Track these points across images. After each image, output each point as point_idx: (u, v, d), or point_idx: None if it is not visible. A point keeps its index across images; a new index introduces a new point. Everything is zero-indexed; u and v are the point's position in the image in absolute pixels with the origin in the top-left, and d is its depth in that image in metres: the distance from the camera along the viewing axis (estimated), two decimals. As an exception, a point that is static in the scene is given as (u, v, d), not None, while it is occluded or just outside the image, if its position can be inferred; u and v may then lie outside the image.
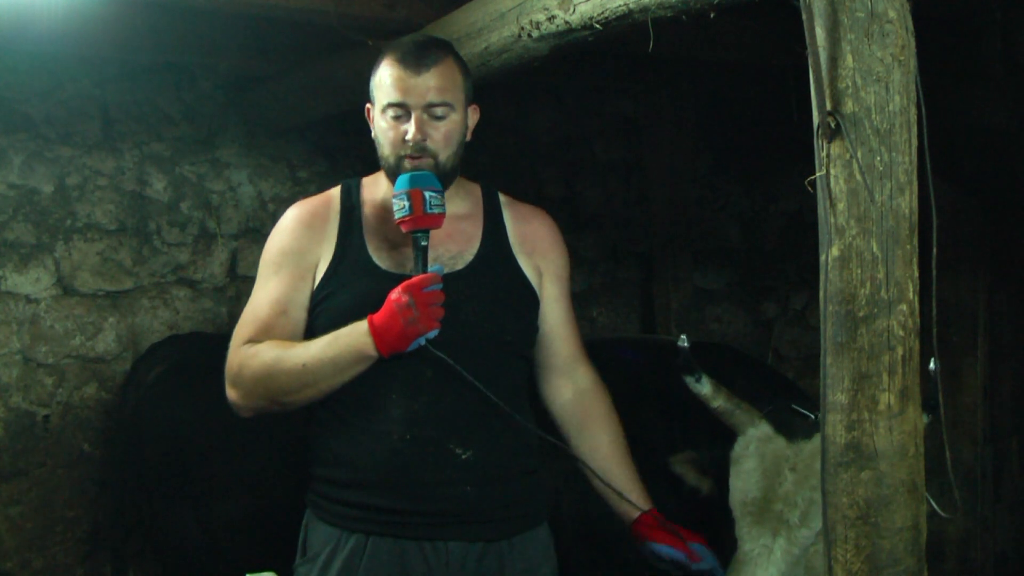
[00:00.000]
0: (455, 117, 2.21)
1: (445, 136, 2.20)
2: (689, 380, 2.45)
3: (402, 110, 2.18)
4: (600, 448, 2.40)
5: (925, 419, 1.73)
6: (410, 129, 2.17)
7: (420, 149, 2.18)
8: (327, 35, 3.14)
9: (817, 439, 2.28)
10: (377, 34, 3.05)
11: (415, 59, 2.18)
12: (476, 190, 2.39)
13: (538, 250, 2.36)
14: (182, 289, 4.04)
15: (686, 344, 2.41)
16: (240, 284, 4.11)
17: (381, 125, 2.23)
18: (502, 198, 2.41)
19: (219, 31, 3.51)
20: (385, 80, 2.20)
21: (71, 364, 3.85)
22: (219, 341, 3.58)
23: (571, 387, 2.42)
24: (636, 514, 2.36)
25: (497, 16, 2.50)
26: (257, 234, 4.11)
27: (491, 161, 4.37)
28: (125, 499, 3.49)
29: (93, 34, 3.30)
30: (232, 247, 4.13)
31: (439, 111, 2.18)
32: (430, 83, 2.17)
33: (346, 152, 4.27)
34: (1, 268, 3.73)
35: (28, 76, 3.76)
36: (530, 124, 4.64)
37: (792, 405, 2.45)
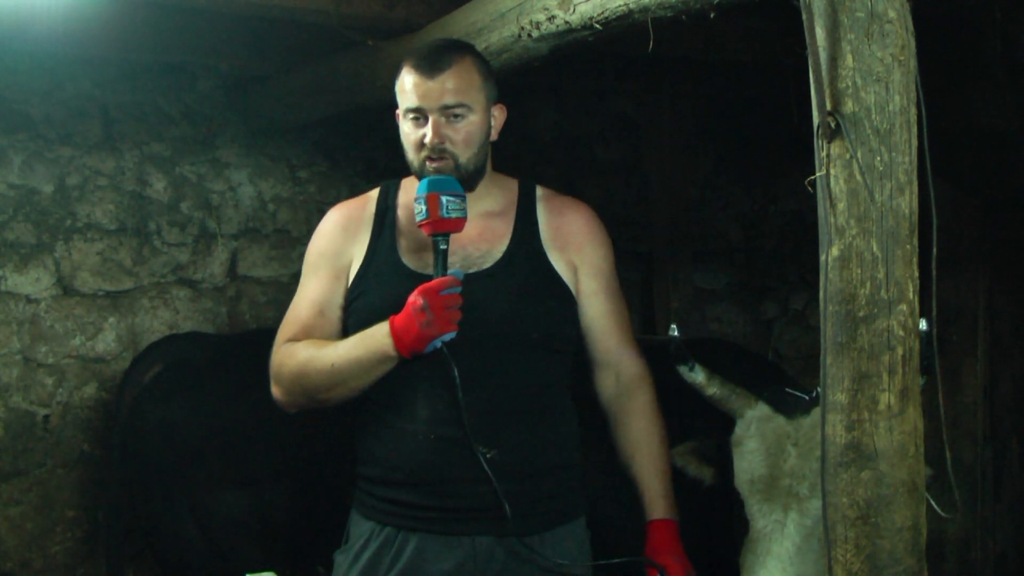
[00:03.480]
0: (474, 118, 2.23)
1: (465, 138, 2.22)
2: (682, 369, 2.46)
3: (420, 114, 2.22)
4: (628, 444, 2.41)
5: (921, 381, 1.72)
6: (428, 133, 2.20)
7: (439, 151, 2.20)
8: (327, 35, 3.14)
9: (815, 413, 2.29)
10: (377, 34, 3.05)
11: (429, 63, 2.21)
12: (513, 186, 2.41)
13: (572, 244, 2.36)
14: (182, 289, 4.04)
15: (676, 334, 2.42)
16: (240, 284, 4.11)
17: (404, 130, 2.27)
18: (540, 192, 2.42)
19: (219, 31, 3.52)
20: (404, 86, 2.24)
21: (71, 364, 3.85)
22: (216, 341, 3.60)
23: (614, 380, 2.43)
24: (649, 517, 2.36)
25: (497, 16, 2.50)
26: (257, 234, 4.11)
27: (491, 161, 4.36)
28: (122, 499, 3.48)
29: (93, 34, 3.30)
30: (232, 247, 4.13)
31: (456, 112, 2.21)
32: (445, 86, 2.19)
33: (346, 152, 4.26)
34: (1, 268, 3.73)
35: (28, 76, 3.76)
36: (530, 124, 4.64)
37: (787, 389, 2.45)
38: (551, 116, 4.70)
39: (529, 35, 2.39)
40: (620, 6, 2.07)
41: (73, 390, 3.86)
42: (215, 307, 4.10)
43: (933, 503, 2.02)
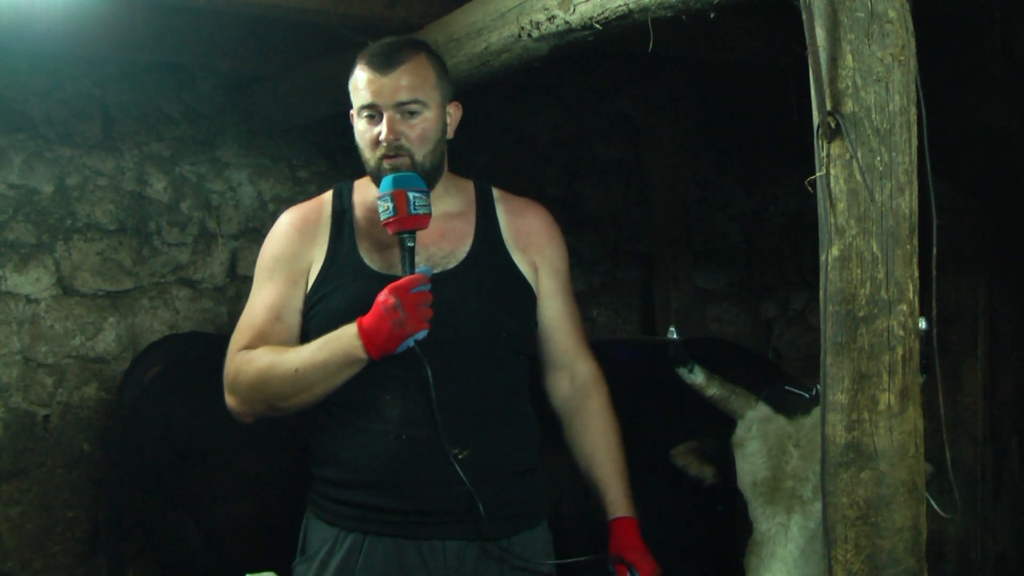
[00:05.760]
0: (428, 115, 2.21)
1: (420, 135, 2.20)
2: (682, 371, 2.46)
3: (374, 111, 2.20)
4: (587, 445, 2.40)
5: (920, 379, 1.72)
6: (383, 129, 2.18)
7: (395, 148, 2.18)
8: (327, 35, 3.14)
9: (816, 413, 2.29)
10: (377, 34, 3.04)
11: (383, 60, 2.20)
12: (468, 187, 2.40)
13: (533, 245, 2.36)
14: (182, 289, 4.04)
15: (675, 336, 2.42)
16: (240, 284, 4.11)
17: (358, 128, 2.25)
18: (496, 193, 2.41)
19: (219, 31, 3.52)
20: (358, 83, 2.22)
21: (71, 364, 3.85)
22: (216, 341, 3.59)
23: (569, 382, 2.42)
24: (611, 515, 2.36)
25: (497, 16, 2.50)
26: (257, 234, 4.11)
27: (491, 161, 4.36)
28: (122, 499, 3.48)
29: (93, 34, 3.30)
30: (232, 247, 4.13)
31: (411, 108, 2.19)
32: (400, 82, 2.18)
33: (346, 152, 4.25)
34: (1, 268, 3.73)
35: (28, 76, 3.76)
36: (530, 124, 4.64)
37: (786, 387, 2.45)
38: (551, 116, 4.69)
39: (529, 35, 2.39)
40: (620, 6, 2.07)
41: (73, 390, 3.86)
42: (215, 307, 4.10)
43: (933, 503, 2.02)
